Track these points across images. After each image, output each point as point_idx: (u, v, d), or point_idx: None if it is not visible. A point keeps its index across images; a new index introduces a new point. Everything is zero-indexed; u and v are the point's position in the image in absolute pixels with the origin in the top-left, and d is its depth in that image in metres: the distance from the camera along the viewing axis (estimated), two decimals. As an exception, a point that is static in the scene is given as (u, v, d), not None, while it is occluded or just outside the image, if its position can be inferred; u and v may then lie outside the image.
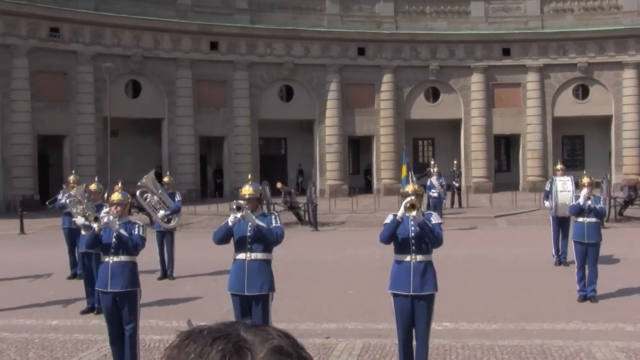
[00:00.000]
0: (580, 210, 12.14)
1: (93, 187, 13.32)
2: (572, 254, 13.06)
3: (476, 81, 39.90)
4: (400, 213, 7.53)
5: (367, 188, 40.39)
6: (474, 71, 39.85)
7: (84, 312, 11.75)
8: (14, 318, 11.39)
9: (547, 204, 16.63)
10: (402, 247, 7.64)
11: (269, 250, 8.05)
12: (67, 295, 13.06)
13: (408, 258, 7.59)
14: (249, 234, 7.89)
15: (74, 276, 14.88)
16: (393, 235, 7.61)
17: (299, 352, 1.15)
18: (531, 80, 39.96)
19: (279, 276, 8.20)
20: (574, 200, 12.70)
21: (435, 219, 7.80)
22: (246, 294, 7.88)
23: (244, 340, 1.14)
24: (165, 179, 16.60)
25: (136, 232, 8.43)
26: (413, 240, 7.57)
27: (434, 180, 23.55)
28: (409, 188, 7.87)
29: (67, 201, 13.56)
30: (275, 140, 42.38)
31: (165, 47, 36.51)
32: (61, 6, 33.19)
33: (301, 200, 25.82)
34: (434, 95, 40.81)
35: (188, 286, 14.00)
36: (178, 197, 15.42)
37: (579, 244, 12.18)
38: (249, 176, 8.92)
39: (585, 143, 42.55)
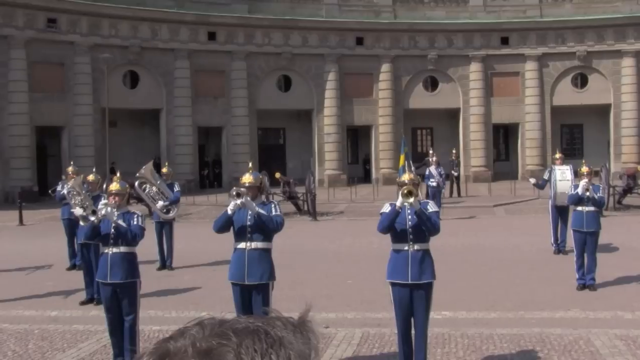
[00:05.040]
0: (578, 200, 12.14)
1: (91, 177, 13.33)
2: (571, 242, 13.07)
3: (475, 70, 39.84)
4: (399, 202, 7.51)
5: (366, 178, 40.40)
6: (473, 60, 39.80)
7: (83, 303, 11.77)
8: (13, 309, 11.40)
9: (532, 180, 16.95)
10: (400, 236, 7.63)
11: (269, 239, 8.03)
12: (66, 286, 13.06)
13: (406, 247, 7.58)
14: (249, 222, 7.87)
15: (73, 267, 14.88)
16: (392, 225, 7.59)
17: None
18: (530, 69, 39.91)
19: (277, 266, 8.19)
20: (572, 189, 12.69)
21: (431, 207, 7.79)
22: (246, 283, 7.87)
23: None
24: (164, 170, 16.59)
25: (135, 223, 8.41)
26: (410, 229, 7.55)
27: (432, 169, 23.54)
28: (405, 177, 7.86)
29: (66, 192, 13.55)
30: (274, 130, 42.32)
31: (163, 38, 36.42)
32: (58, -3, 33.11)
33: (300, 190, 25.82)
34: (432, 84, 40.75)
35: (187, 276, 14.01)
36: (177, 188, 15.42)
37: (578, 232, 12.19)
38: (250, 165, 8.89)
39: (584, 132, 42.54)
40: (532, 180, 17.70)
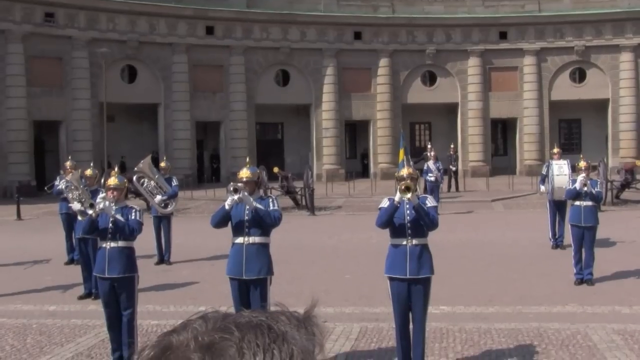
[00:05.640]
0: (576, 195, 12.14)
1: (88, 172, 13.33)
2: (568, 237, 13.08)
3: (473, 65, 39.82)
4: (397, 197, 7.51)
5: (364, 172, 40.41)
6: (471, 55, 39.77)
7: (81, 298, 11.77)
8: (11, 304, 11.40)
9: (542, 188, 16.66)
10: (398, 231, 7.63)
11: (267, 233, 8.03)
12: (64, 280, 13.06)
13: (404, 242, 7.58)
14: (246, 217, 7.86)
15: (71, 262, 14.87)
16: (390, 220, 7.59)
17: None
18: (528, 64, 39.90)
19: (275, 260, 8.19)
20: (570, 184, 12.70)
21: (430, 202, 7.78)
22: (244, 277, 7.88)
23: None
24: (162, 164, 16.58)
25: (133, 217, 8.41)
26: (409, 224, 7.55)
27: (430, 164, 23.53)
28: (404, 172, 7.87)
29: (64, 187, 13.55)
30: (272, 125, 42.31)
31: (161, 32, 36.37)
32: (56, -9, 33.06)
33: (298, 184, 25.82)
34: (430, 79, 40.74)
35: (185, 271, 14.01)
36: (175, 182, 15.40)
37: (576, 227, 12.19)
38: (247, 159, 8.89)
39: (582, 127, 42.55)
40: (542, 188, 17.19)
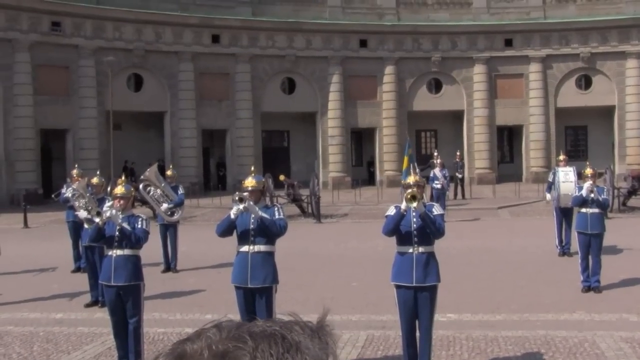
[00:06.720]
0: (583, 202, 12.12)
1: (95, 180, 13.36)
2: (575, 244, 13.05)
3: (478, 72, 39.81)
4: (403, 206, 7.52)
5: (370, 180, 40.40)
6: (476, 62, 39.77)
7: (88, 306, 11.78)
8: (18, 312, 11.42)
9: (548, 196, 16.68)
10: (405, 238, 7.63)
11: (272, 242, 8.03)
12: (71, 288, 13.08)
13: (410, 249, 7.58)
14: (252, 226, 7.87)
15: (77, 269, 14.90)
16: (397, 228, 7.59)
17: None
18: (534, 71, 39.86)
19: (282, 268, 8.20)
20: (576, 191, 12.67)
21: (437, 210, 7.79)
22: (249, 286, 7.88)
23: None
24: (169, 172, 16.60)
25: (139, 226, 8.43)
26: (415, 232, 7.55)
27: (437, 171, 23.56)
28: (410, 179, 7.87)
29: (71, 195, 13.58)
30: (278, 132, 42.35)
31: (167, 41, 36.48)
32: (62, 0, 33.16)
33: (304, 192, 25.82)
34: (436, 86, 40.74)
35: (191, 279, 14.02)
36: (181, 190, 15.44)
37: (582, 234, 12.16)
38: (252, 168, 8.93)
39: (588, 133, 42.49)
40: (548, 196, 17.41)
